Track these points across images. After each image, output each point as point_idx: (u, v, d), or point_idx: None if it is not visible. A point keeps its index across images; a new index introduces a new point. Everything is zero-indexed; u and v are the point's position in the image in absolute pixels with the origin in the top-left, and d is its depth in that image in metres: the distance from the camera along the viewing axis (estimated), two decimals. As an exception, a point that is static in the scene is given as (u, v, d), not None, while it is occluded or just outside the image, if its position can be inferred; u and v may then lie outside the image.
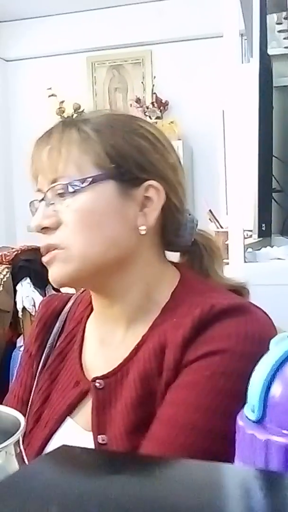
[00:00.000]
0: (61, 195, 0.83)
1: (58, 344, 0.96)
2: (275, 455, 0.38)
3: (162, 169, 0.86)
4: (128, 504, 0.28)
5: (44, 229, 0.85)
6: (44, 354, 0.96)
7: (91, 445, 0.83)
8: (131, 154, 0.84)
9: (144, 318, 0.87)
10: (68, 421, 0.88)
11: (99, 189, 0.83)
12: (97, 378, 0.86)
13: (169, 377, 0.80)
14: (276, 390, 0.41)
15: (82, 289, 1.01)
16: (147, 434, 0.79)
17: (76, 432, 0.87)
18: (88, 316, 0.95)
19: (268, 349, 0.80)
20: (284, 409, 0.40)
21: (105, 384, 0.85)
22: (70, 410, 0.88)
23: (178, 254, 0.97)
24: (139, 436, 0.80)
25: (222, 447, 0.74)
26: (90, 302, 0.95)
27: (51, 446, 0.88)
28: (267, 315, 0.84)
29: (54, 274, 0.85)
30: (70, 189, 0.82)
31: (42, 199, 0.85)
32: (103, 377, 0.86)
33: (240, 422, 0.42)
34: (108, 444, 0.82)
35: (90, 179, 0.82)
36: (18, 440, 0.55)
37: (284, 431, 0.39)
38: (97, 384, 0.86)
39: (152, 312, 0.86)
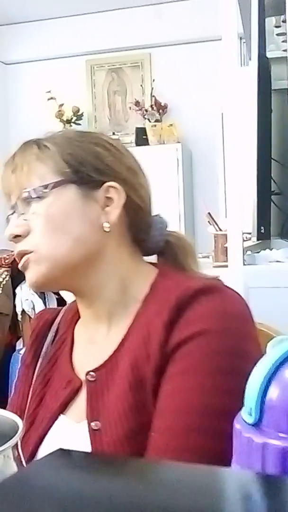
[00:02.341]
0: (28, 204, 0.90)
1: (49, 350, 1.01)
2: (272, 458, 0.38)
3: (120, 171, 0.93)
4: (124, 508, 0.28)
5: (16, 238, 0.91)
6: (38, 363, 1.01)
7: (83, 434, 0.86)
8: (88, 160, 0.91)
9: (125, 311, 0.91)
10: (61, 417, 0.92)
11: (60, 193, 0.89)
12: (89, 371, 0.90)
13: (156, 361, 0.83)
14: (273, 393, 0.41)
15: (71, 300, 1.05)
16: (154, 427, 0.80)
17: (68, 425, 0.90)
18: (76, 321, 1.01)
19: (242, 324, 0.83)
20: (281, 412, 0.40)
21: (96, 376, 0.89)
22: (62, 408, 0.92)
23: (154, 258, 1.01)
24: (130, 421, 0.83)
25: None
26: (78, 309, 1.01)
27: (45, 444, 0.91)
28: (238, 294, 0.89)
29: (29, 277, 0.91)
30: (34, 196, 0.89)
31: (14, 212, 0.92)
32: (94, 370, 0.90)
33: (237, 425, 0.42)
34: (102, 430, 0.85)
35: (52, 185, 0.89)
36: (17, 444, 0.55)
37: (281, 434, 0.39)
38: (89, 377, 0.90)
39: (132, 305, 0.91)
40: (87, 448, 0.85)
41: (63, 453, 0.33)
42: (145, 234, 0.95)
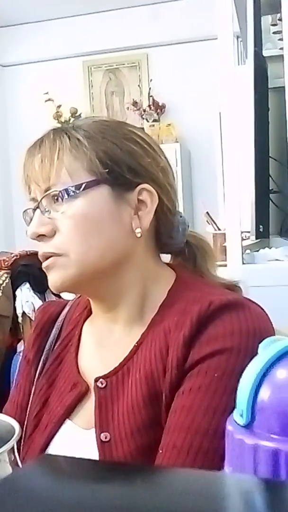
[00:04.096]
0: (55, 202, 0.85)
1: (55, 348, 0.97)
2: (263, 460, 0.38)
3: (154, 172, 0.88)
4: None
5: (40, 237, 0.86)
6: (41, 360, 0.97)
7: (91, 443, 0.84)
8: (123, 159, 0.85)
9: (141, 317, 0.88)
10: (67, 423, 0.89)
11: (93, 194, 0.84)
12: (99, 377, 0.87)
13: (172, 377, 0.80)
14: (264, 394, 0.41)
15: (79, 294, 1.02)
16: (163, 443, 0.78)
17: (75, 432, 0.87)
18: (84, 320, 0.97)
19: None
20: (272, 413, 0.40)
21: (107, 383, 0.86)
22: (68, 412, 0.89)
23: (169, 255, 0.98)
24: (143, 436, 0.80)
25: None
26: (87, 306, 0.97)
27: (51, 449, 0.88)
28: (262, 309, 0.85)
29: (54, 280, 0.86)
30: (65, 196, 0.83)
31: (37, 207, 0.86)
32: (104, 377, 0.86)
33: (229, 427, 0.41)
34: (112, 442, 0.82)
35: (84, 185, 0.83)
36: (13, 448, 0.55)
37: (273, 436, 0.39)
38: (99, 384, 0.86)
39: (149, 311, 0.88)
40: (95, 457, 0.82)
41: (52, 458, 0.33)
42: (169, 236, 0.92)
